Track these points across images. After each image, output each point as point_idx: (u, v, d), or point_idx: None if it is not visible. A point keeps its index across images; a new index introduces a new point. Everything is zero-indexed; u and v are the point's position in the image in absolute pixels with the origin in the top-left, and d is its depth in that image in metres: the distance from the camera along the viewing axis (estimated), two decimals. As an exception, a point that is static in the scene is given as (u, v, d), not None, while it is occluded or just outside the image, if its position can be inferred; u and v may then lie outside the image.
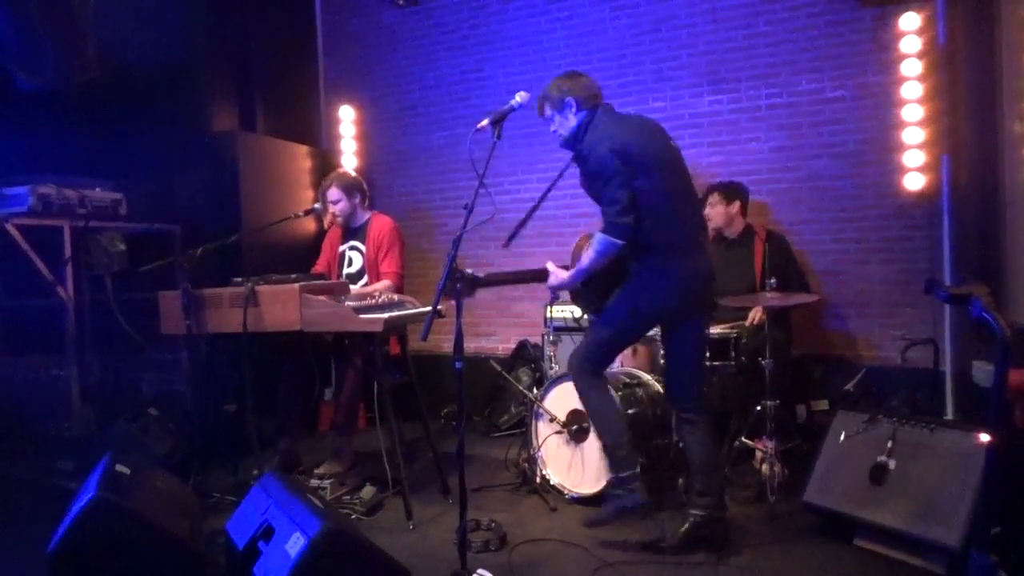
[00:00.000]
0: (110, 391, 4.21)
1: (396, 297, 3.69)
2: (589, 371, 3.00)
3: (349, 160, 5.70)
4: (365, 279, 4.07)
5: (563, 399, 3.51)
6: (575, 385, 3.08)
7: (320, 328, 3.36)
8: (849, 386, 4.08)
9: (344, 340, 3.82)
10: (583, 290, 3.07)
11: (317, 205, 4.10)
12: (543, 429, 3.60)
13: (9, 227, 3.77)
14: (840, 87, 4.40)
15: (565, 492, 3.50)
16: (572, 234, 4.50)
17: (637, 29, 4.90)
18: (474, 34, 5.39)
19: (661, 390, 3.55)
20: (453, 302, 2.67)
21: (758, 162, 4.62)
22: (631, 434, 3.00)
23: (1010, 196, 3.75)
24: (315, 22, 5.86)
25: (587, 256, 2.86)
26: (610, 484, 3.05)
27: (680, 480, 3.38)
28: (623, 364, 3.87)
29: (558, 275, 3.00)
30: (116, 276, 4.09)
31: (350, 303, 3.30)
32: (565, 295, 3.25)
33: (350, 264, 4.14)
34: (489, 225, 2.82)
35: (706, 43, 4.72)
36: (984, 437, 2.61)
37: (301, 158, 5.41)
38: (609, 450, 3.02)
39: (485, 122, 2.76)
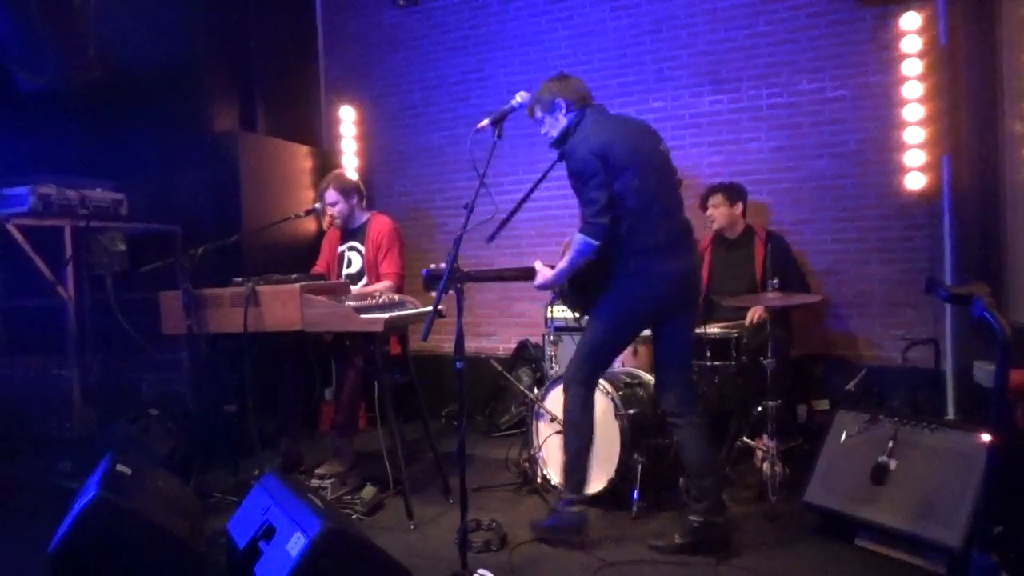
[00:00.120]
0: (111, 391, 4.21)
1: (396, 297, 3.69)
2: (582, 380, 2.98)
3: (350, 160, 5.70)
4: (364, 280, 4.06)
5: (563, 399, 3.50)
6: (564, 391, 3.03)
7: (321, 328, 3.36)
8: (850, 386, 4.07)
9: (345, 340, 3.81)
10: (570, 291, 3.07)
11: (317, 205, 4.09)
12: (544, 429, 3.60)
13: (10, 227, 3.77)
14: (841, 87, 4.40)
15: (566, 492, 3.50)
16: (572, 233, 4.49)
17: (637, 29, 4.90)
18: (475, 34, 5.39)
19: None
20: (455, 302, 2.68)
21: (758, 162, 4.61)
22: (589, 470, 3.02)
23: (1011, 196, 3.76)
24: (315, 22, 5.87)
25: (567, 256, 2.88)
26: (557, 499, 3.11)
27: (680, 480, 3.37)
28: (624, 364, 3.87)
29: (543, 274, 2.99)
30: (117, 276, 4.09)
31: (351, 303, 3.30)
32: (565, 295, 3.26)
33: (349, 265, 4.14)
34: (489, 225, 2.82)
35: (706, 43, 4.72)
36: (985, 437, 2.60)
37: (301, 158, 5.41)
38: (566, 467, 3.02)
39: (485, 122, 2.77)
